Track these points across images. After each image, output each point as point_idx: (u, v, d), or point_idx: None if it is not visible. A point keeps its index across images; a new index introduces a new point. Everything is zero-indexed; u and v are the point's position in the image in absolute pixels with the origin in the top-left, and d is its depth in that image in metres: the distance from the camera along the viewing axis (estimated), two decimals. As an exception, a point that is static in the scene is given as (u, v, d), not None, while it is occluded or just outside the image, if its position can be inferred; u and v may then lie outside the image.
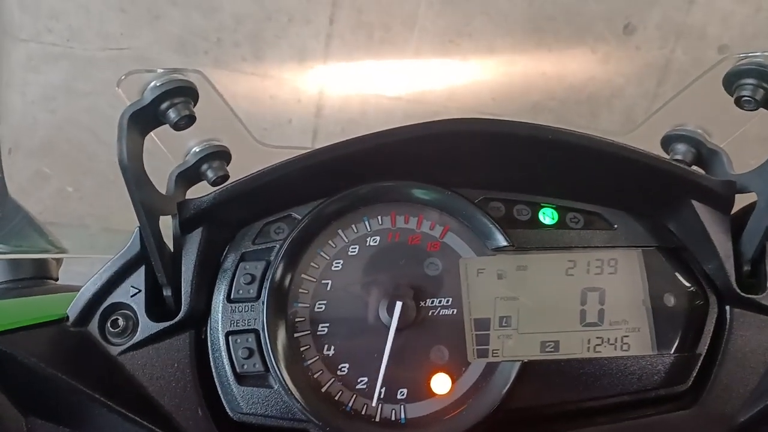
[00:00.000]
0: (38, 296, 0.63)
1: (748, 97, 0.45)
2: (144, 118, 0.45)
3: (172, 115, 0.45)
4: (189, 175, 0.52)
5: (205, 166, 0.52)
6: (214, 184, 0.52)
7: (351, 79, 1.69)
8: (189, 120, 0.46)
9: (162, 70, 0.46)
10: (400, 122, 1.65)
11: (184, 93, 0.46)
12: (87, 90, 1.58)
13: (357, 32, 1.62)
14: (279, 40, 1.60)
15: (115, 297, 0.48)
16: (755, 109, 0.46)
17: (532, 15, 1.65)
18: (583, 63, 1.72)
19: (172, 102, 0.45)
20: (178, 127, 0.46)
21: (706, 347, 0.48)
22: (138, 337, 0.47)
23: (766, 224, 0.45)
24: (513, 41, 1.67)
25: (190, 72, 0.48)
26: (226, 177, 0.52)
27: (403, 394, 0.48)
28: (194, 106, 0.47)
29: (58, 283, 0.74)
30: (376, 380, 0.48)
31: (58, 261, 0.77)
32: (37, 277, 0.72)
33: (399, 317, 0.48)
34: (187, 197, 0.50)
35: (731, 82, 0.47)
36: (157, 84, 0.45)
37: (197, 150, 0.52)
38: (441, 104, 1.74)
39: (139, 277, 0.48)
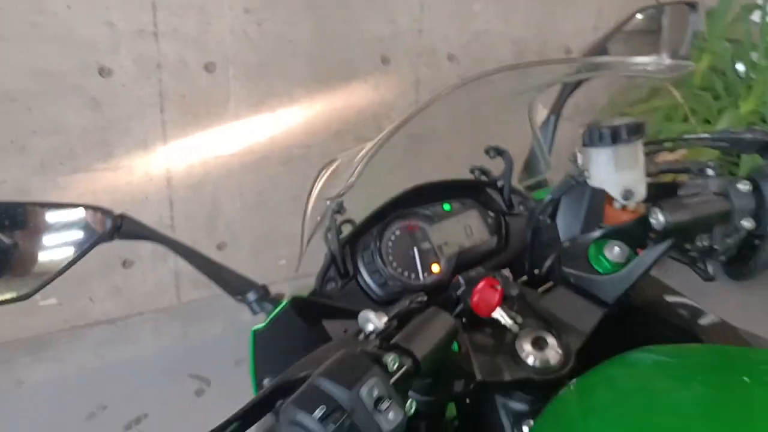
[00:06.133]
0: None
1: None
2: None
3: None
4: None
5: None
6: None
7: (190, 150, 2.04)
8: None
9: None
10: (239, 174, 2.17)
11: None
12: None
13: (185, 113, 1.98)
14: (123, 138, 1.91)
15: None
16: None
17: (316, 68, 2.15)
18: (362, 92, 2.27)
19: None
20: None
21: None
22: None
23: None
24: (307, 91, 2.16)
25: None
26: None
27: None
28: None
29: None
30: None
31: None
32: None
33: None
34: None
35: None
36: None
37: None
38: (267, 149, 2.17)
39: None
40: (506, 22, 2.49)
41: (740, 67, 2.54)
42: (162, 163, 2.01)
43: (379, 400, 0.38)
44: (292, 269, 0.74)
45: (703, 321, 0.62)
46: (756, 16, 2.55)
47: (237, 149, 2.13)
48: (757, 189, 0.58)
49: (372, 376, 0.39)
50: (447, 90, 0.61)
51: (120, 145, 1.91)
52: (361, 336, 0.47)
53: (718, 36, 2.51)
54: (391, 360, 0.41)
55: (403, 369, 0.41)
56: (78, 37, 1.75)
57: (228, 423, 0.44)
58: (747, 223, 0.58)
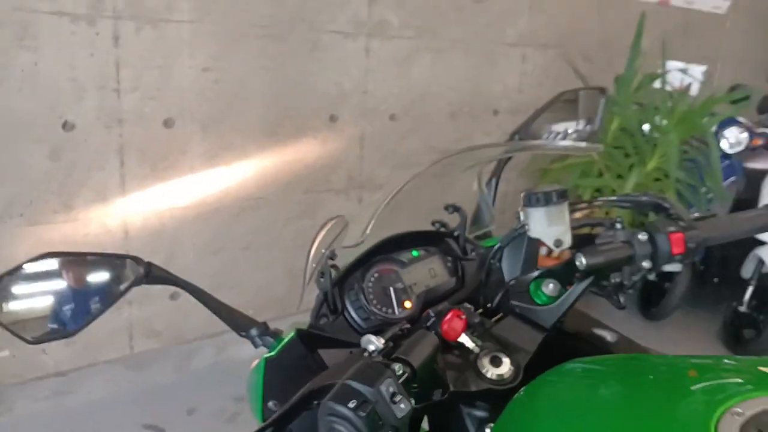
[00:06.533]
0: None
1: None
2: None
3: None
4: None
5: None
6: None
7: (147, 203, 2.12)
8: None
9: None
10: (192, 225, 2.28)
11: None
12: None
13: (143, 167, 2.07)
14: (82, 189, 1.97)
15: None
16: None
17: (268, 124, 2.29)
18: (311, 147, 2.43)
19: None
20: None
21: None
22: None
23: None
24: (259, 145, 2.30)
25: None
26: None
27: None
28: None
29: None
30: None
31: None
32: None
33: None
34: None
35: None
36: None
37: None
38: (219, 201, 2.27)
39: None
40: (442, 85, 2.74)
41: (646, 127, 2.88)
42: (120, 215, 2.08)
43: (393, 395, 0.52)
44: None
45: (612, 338, 0.81)
46: (658, 83, 2.93)
47: (192, 201, 2.22)
48: (652, 238, 0.76)
49: (387, 377, 0.53)
50: (426, 168, 0.77)
51: (79, 197, 1.97)
52: (366, 354, 0.61)
53: (625, 100, 2.85)
54: (398, 367, 0.55)
55: (406, 374, 0.56)
56: (43, 92, 1.82)
57: (265, 427, 0.57)
58: (646, 264, 0.76)
